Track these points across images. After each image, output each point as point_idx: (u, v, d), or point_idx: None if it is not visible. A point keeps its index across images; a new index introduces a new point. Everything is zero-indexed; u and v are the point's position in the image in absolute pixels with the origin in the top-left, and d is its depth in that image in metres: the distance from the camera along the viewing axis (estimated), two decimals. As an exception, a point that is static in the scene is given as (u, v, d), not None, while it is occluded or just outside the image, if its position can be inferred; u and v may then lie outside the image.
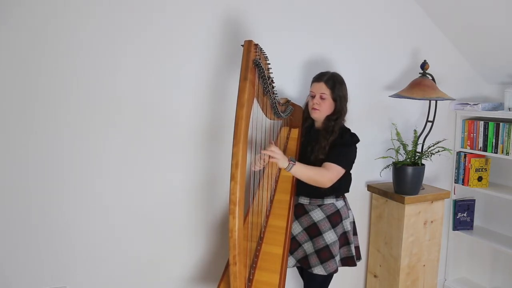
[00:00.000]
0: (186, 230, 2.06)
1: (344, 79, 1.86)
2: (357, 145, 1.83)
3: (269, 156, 1.57)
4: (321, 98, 1.81)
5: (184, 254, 2.07)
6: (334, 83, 1.81)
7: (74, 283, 1.87)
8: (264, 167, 1.84)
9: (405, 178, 2.25)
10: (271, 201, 1.75)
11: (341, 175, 1.75)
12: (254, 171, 1.80)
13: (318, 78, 1.85)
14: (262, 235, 1.60)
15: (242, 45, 1.33)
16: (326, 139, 1.78)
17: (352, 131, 1.86)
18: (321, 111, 1.83)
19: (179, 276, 2.08)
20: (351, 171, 1.86)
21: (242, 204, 1.15)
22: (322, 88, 1.81)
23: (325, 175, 1.70)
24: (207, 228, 2.09)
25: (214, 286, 2.06)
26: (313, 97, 1.85)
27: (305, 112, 1.96)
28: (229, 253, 1.15)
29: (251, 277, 1.41)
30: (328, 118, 1.84)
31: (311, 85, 1.88)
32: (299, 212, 1.87)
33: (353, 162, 1.83)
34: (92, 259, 1.89)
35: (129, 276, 1.97)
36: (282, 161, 1.59)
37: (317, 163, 1.76)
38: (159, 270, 2.04)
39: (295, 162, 1.63)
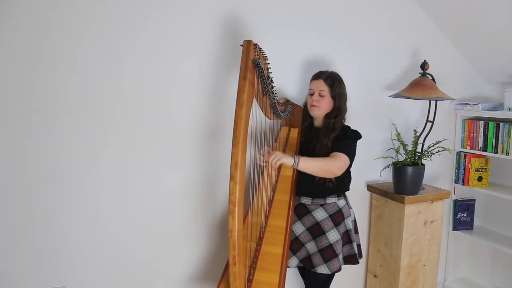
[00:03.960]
0: (186, 230, 2.06)
1: (342, 78, 1.87)
2: (357, 143, 1.84)
3: (274, 160, 1.56)
4: (320, 95, 1.82)
5: (184, 254, 2.07)
6: (333, 81, 1.82)
7: (74, 283, 1.87)
8: (265, 167, 1.84)
9: (405, 178, 2.25)
10: (271, 201, 1.75)
11: (347, 165, 1.75)
12: (260, 167, 1.80)
13: (317, 75, 1.86)
14: (262, 235, 1.60)
15: (242, 45, 1.33)
16: (327, 136, 1.79)
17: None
18: (320, 108, 1.83)
19: (179, 276, 2.08)
20: (351, 170, 1.87)
21: (241, 204, 1.15)
22: (321, 85, 1.82)
23: (333, 163, 1.70)
24: (207, 228, 2.09)
25: (214, 286, 2.05)
26: (312, 94, 1.85)
27: (305, 112, 1.96)
28: (229, 253, 1.15)
29: (250, 277, 1.41)
30: (327, 116, 1.84)
31: (310, 83, 1.89)
32: (301, 212, 1.87)
33: (355, 156, 1.83)
34: (92, 259, 1.89)
35: (129, 276, 1.97)
36: (286, 159, 1.59)
37: None
38: (159, 270, 2.03)
39: (299, 157, 1.63)
